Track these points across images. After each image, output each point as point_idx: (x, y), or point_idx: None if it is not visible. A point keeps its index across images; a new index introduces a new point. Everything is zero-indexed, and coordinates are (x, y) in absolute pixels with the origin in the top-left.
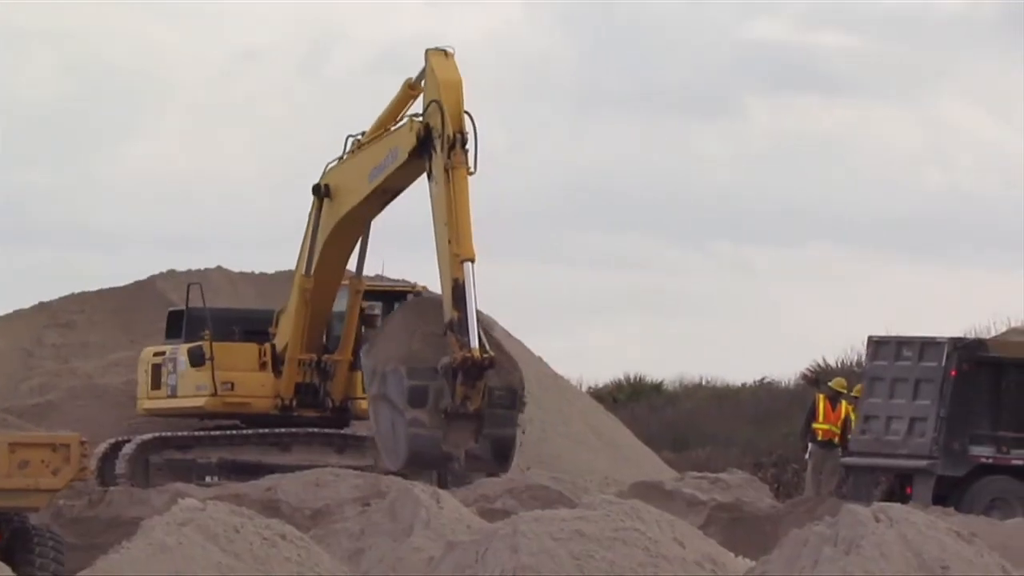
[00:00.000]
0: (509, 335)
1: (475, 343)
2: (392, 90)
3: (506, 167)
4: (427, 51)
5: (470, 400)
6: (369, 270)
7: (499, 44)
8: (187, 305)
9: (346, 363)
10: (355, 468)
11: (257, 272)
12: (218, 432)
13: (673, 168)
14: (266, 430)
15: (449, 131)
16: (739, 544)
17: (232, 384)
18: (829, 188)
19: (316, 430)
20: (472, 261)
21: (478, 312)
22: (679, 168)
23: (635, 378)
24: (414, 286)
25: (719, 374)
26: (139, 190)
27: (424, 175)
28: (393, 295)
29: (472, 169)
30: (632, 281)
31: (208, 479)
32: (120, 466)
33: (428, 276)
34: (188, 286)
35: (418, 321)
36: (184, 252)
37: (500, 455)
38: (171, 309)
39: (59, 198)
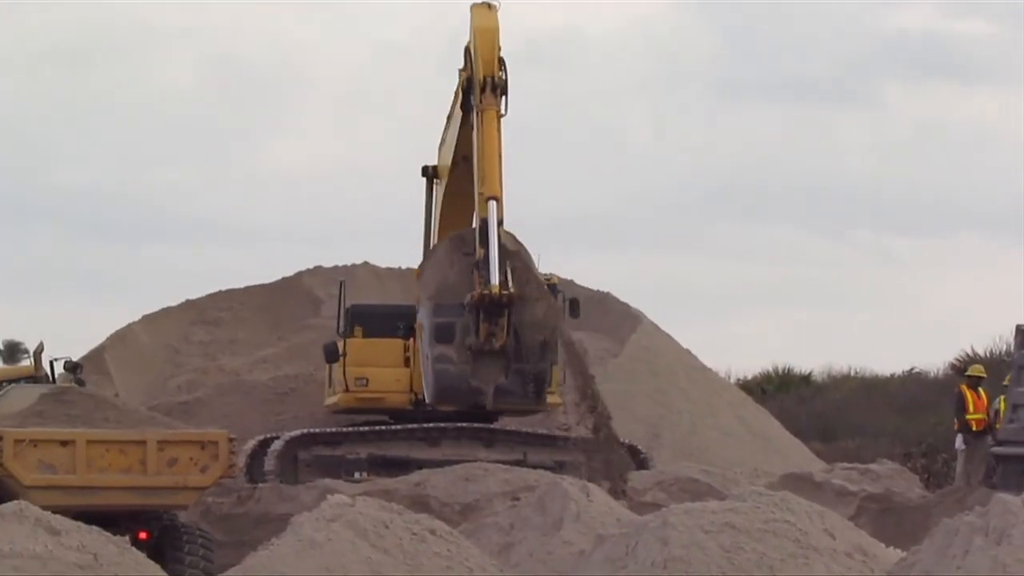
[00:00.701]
0: (657, 328)
1: (495, 280)
2: (533, 83)
3: (650, 159)
4: (471, 5)
5: (495, 337)
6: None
7: (642, 35)
8: (340, 302)
9: None
10: (504, 462)
11: (404, 267)
12: (366, 428)
13: (815, 158)
14: (414, 425)
15: (479, 75)
16: (889, 535)
17: (367, 380)
18: (972, 176)
19: (465, 424)
20: (496, 199)
21: (516, 248)
22: (821, 158)
23: (783, 369)
24: (549, 277)
25: (866, 364)
26: (284, 186)
27: None
28: None
29: (503, 112)
30: (777, 272)
31: (357, 475)
32: (268, 463)
33: (584, 271)
34: (341, 283)
35: (457, 253)
36: (330, 248)
37: (533, 390)
38: (352, 304)
39: (204, 195)
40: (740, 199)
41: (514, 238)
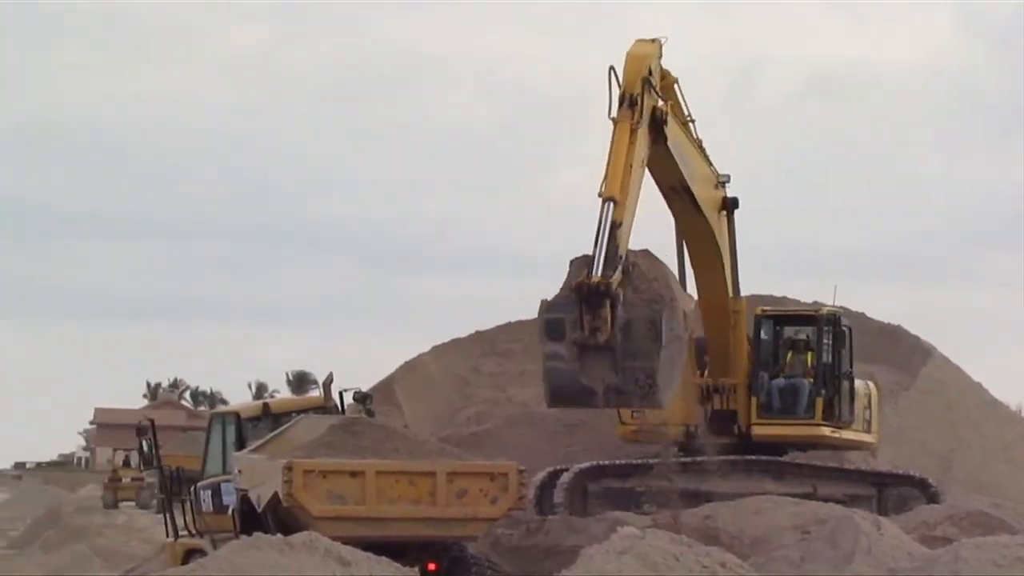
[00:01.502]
0: (948, 361)
1: (597, 272)
2: (817, 117)
3: (940, 191)
4: (636, 38)
5: (599, 331)
6: (819, 295)
7: (931, 68)
8: None
9: (742, 386)
10: (793, 495)
11: None
12: (656, 460)
13: None
14: (703, 458)
15: (621, 91)
16: None
17: (644, 411)
18: None
19: (754, 457)
20: (613, 201)
21: (650, 261)
22: None
23: None
24: (818, 309)
25: None
26: (576, 216)
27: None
28: (797, 318)
29: (635, 124)
30: None
31: (646, 507)
32: (558, 495)
33: (874, 303)
34: None
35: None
36: None
37: (644, 389)
38: None
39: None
40: None
41: (649, 254)
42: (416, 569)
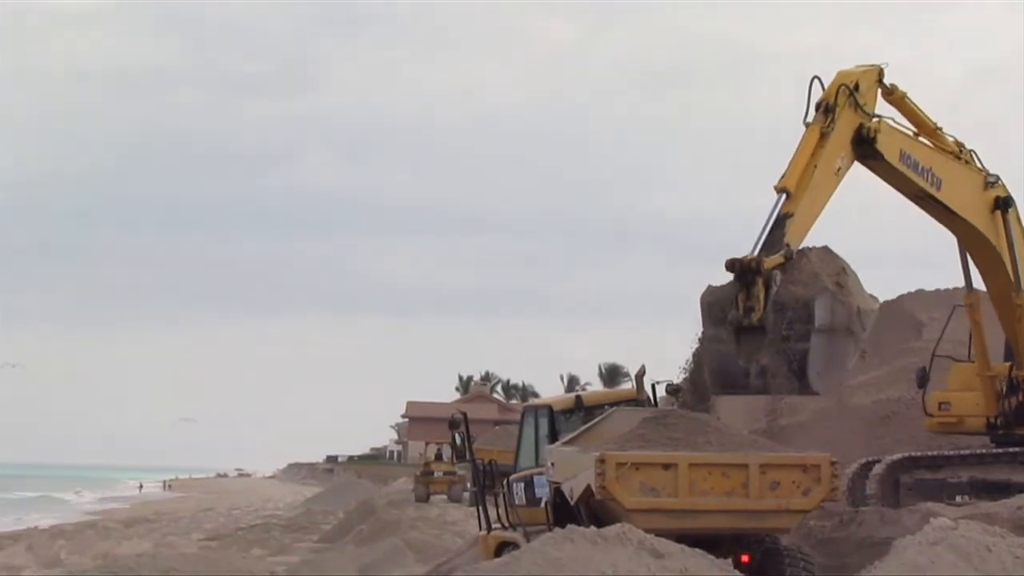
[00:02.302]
0: None
1: (755, 252)
2: None
3: None
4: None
5: (753, 311)
6: None
7: None
8: (944, 327)
9: None
10: None
11: None
12: (967, 452)
13: None
14: (1016, 449)
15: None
16: None
17: (950, 404)
18: None
19: None
20: (787, 193)
21: (821, 260)
22: None
23: None
24: None
25: None
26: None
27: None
28: None
29: (826, 128)
30: None
31: (958, 498)
32: (871, 486)
33: None
34: (954, 307)
35: None
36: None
37: (795, 371)
38: None
39: None
40: None
41: (827, 249)
42: (729, 561)
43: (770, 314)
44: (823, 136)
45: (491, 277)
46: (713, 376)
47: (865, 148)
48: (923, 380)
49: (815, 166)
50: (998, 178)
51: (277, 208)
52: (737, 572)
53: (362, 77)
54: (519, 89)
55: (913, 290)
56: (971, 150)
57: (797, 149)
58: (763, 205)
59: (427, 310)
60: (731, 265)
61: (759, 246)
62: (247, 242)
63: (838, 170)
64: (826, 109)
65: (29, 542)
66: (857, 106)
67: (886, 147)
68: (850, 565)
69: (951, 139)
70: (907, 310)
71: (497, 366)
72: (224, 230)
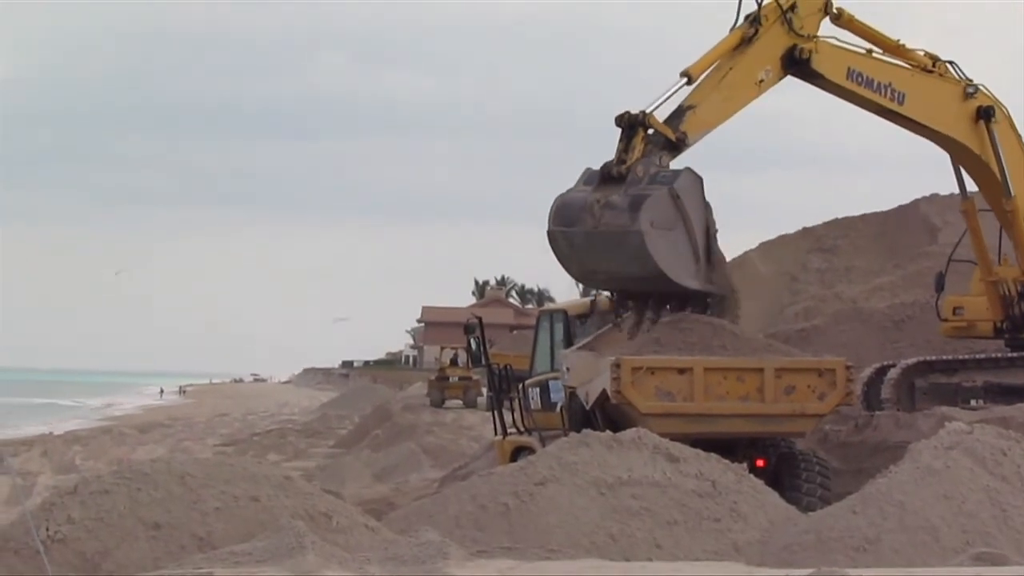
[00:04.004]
0: None
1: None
2: None
3: None
4: None
5: (624, 162)
6: None
7: None
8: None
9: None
10: None
11: None
12: (982, 356)
13: None
14: None
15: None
16: None
17: (963, 308)
18: None
19: None
20: (685, 76)
21: None
22: None
23: None
24: None
25: None
26: None
27: None
28: None
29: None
30: None
31: (973, 402)
32: (885, 391)
33: None
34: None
35: None
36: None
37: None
38: None
39: (818, 123)
40: None
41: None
42: (744, 465)
43: (633, 175)
44: (745, 42)
45: (507, 181)
46: (558, 210)
47: (800, 68)
48: (940, 285)
49: (731, 68)
50: (978, 88)
51: (288, 112)
52: (752, 476)
53: None
54: None
55: (928, 194)
56: (948, 61)
57: (714, 46)
58: (772, 109)
59: (443, 215)
60: (620, 118)
61: (654, 107)
62: (258, 144)
63: (760, 82)
64: (753, 20)
65: (44, 447)
66: (790, 26)
67: (826, 66)
68: (865, 469)
69: (921, 53)
70: (922, 214)
71: (513, 271)
72: (234, 132)
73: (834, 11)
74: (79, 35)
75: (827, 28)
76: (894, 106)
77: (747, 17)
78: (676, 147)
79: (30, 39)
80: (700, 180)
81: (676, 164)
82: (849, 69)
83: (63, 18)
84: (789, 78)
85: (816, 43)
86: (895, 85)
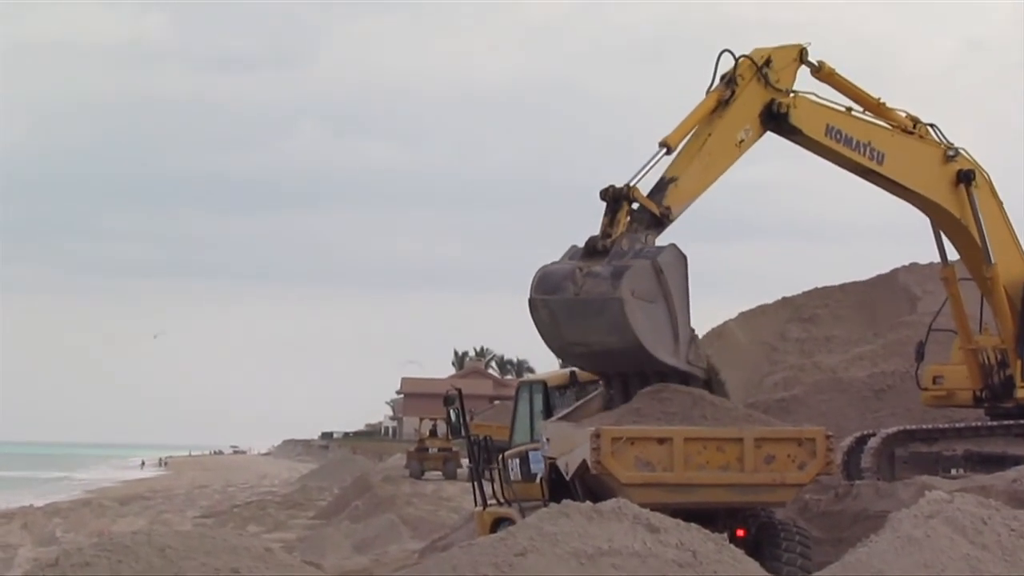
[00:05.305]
0: None
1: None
2: None
3: None
4: None
5: (609, 236)
6: None
7: None
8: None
9: (1011, 351)
10: None
11: None
12: (962, 424)
13: None
14: (1011, 421)
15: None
16: None
17: (943, 377)
18: None
19: None
20: (663, 146)
21: None
22: None
23: None
24: None
25: None
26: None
27: None
28: None
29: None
30: None
31: (954, 471)
32: (866, 460)
33: None
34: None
35: None
36: (927, 244)
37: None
38: None
39: (795, 193)
40: None
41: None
42: (725, 535)
43: (616, 249)
44: (722, 105)
45: (484, 252)
46: (541, 279)
47: (779, 123)
48: (920, 354)
49: (709, 134)
50: (959, 151)
51: (266, 182)
52: (733, 546)
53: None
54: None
55: (907, 263)
56: (929, 124)
57: (690, 112)
58: (751, 180)
59: (422, 285)
60: (604, 192)
61: (637, 179)
62: (236, 216)
63: (740, 142)
64: (729, 81)
65: (24, 520)
66: (767, 81)
67: (805, 122)
68: (846, 539)
69: (903, 114)
70: (901, 283)
71: (492, 342)
72: (212, 204)
73: (814, 63)
74: (57, 105)
75: (808, 83)
76: (873, 165)
77: (723, 77)
78: (660, 223)
79: (11, 108)
80: (684, 258)
81: (662, 239)
82: (828, 126)
83: (43, 88)
84: (769, 139)
85: (795, 98)
86: (875, 144)
